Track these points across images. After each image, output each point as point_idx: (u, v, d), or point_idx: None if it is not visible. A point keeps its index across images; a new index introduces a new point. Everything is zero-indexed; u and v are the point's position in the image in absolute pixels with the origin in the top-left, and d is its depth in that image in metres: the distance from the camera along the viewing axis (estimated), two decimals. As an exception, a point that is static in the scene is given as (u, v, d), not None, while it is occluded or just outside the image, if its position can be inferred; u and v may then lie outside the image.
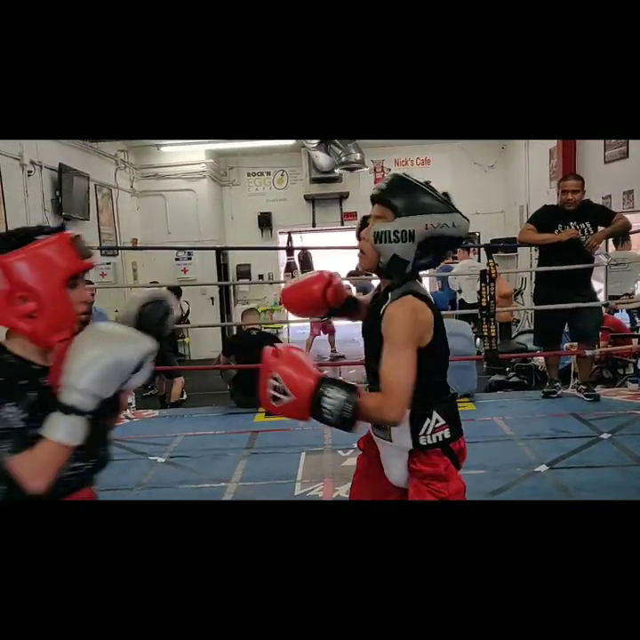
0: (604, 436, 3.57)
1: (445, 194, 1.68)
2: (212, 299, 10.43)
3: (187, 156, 10.19)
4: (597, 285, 4.82)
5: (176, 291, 7.47)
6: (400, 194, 1.64)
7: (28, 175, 6.58)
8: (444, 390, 1.72)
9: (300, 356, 1.50)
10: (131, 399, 4.83)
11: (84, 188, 7.64)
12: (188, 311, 9.33)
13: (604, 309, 4.82)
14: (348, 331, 11.30)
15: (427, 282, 11.79)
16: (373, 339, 1.61)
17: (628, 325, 6.24)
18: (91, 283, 5.36)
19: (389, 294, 1.61)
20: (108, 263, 8.61)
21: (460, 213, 1.63)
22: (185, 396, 6.76)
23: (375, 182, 13.59)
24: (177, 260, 10.21)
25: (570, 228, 4.22)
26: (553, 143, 9.20)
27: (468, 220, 1.64)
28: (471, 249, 9.02)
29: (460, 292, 7.83)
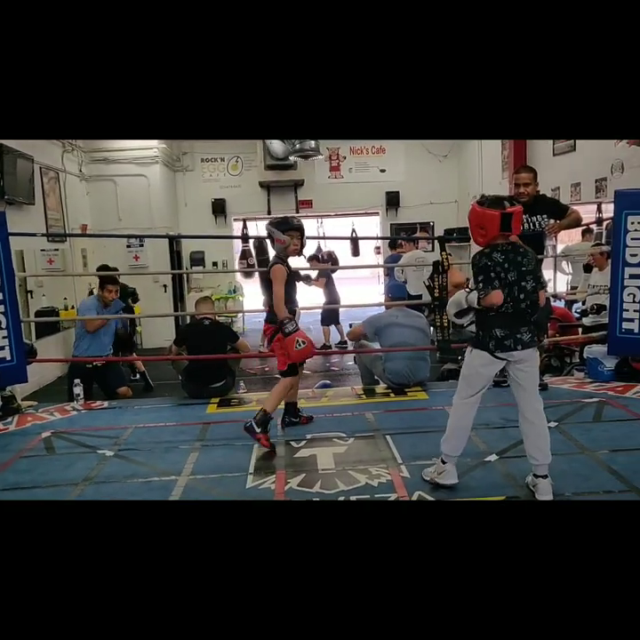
0: (551, 424, 3.64)
1: None
2: (165, 286, 10.25)
3: (138, 140, 9.93)
4: (549, 276, 4.90)
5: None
6: None
7: (-32, 157, 6.31)
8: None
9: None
10: (78, 390, 4.70)
11: (28, 171, 7.36)
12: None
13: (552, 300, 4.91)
14: (302, 318, 11.24)
15: (378, 274, 11.88)
16: None
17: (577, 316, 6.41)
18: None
19: None
20: (56, 250, 8.35)
21: None
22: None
23: (331, 170, 13.63)
24: (128, 246, 9.96)
25: (522, 220, 4.27)
26: (505, 134, 9.34)
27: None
28: (418, 240, 9.00)
29: (405, 282, 7.79)
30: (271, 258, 3.71)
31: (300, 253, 3.69)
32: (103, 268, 7.48)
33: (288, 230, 3.57)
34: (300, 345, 3.44)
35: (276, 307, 3.54)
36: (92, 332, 5.35)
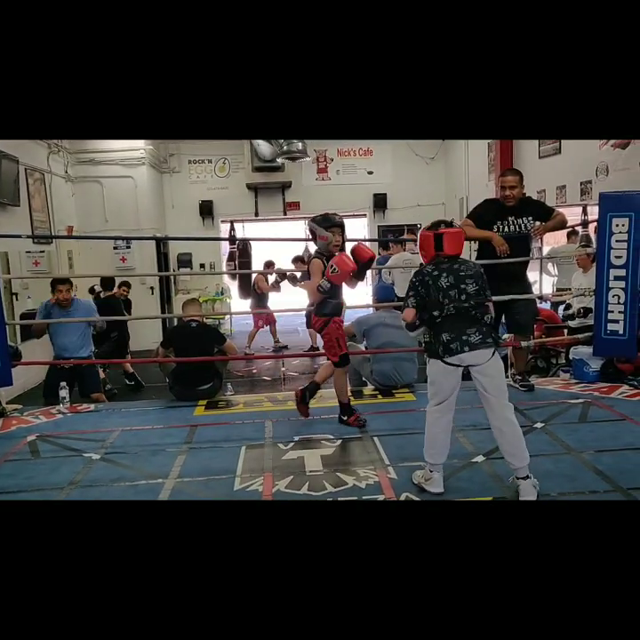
0: (538, 425, 3.67)
1: None
2: (152, 288, 10.21)
3: (125, 141, 9.88)
4: (535, 277, 4.93)
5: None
6: None
7: (-47, 158, 6.25)
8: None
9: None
10: (64, 393, 4.66)
11: (13, 172, 7.31)
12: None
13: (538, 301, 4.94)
14: (290, 320, 11.24)
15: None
16: None
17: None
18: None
19: None
20: (42, 251, 8.29)
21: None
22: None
23: (318, 172, 13.63)
24: (115, 248, 9.92)
25: (508, 223, 4.31)
26: (491, 137, 9.40)
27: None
28: (405, 242, 9.09)
29: (393, 284, 7.83)
30: (312, 253, 3.97)
31: (342, 249, 3.83)
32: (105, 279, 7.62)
33: (330, 227, 3.74)
34: (335, 271, 3.55)
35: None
36: (38, 338, 5.24)
